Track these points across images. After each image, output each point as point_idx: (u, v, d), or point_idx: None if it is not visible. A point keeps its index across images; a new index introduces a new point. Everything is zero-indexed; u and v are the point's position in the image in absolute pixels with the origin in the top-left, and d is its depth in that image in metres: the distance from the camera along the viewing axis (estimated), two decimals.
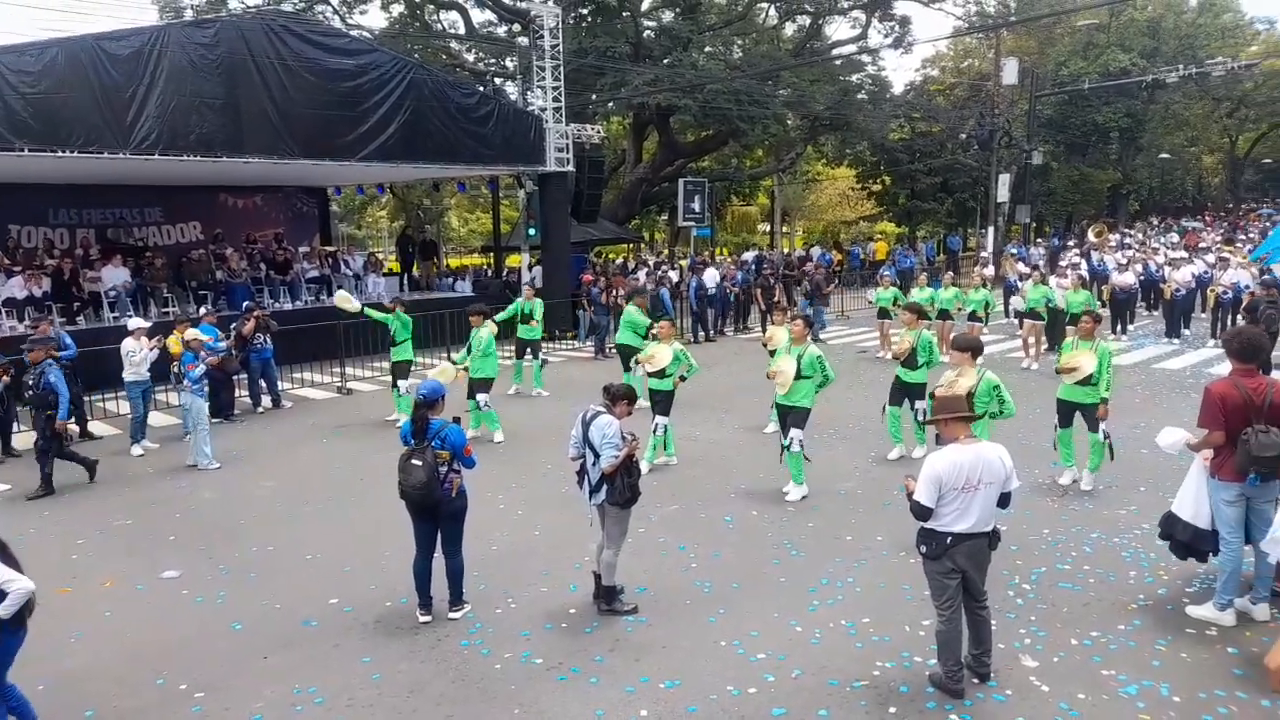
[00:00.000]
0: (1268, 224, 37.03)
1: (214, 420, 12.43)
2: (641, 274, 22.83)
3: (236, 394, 13.20)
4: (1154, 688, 4.88)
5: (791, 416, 8.27)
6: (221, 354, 12.34)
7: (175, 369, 10.43)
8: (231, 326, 13.06)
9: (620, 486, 5.74)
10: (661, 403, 9.43)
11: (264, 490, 9.28)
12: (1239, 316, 15.78)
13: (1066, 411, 8.43)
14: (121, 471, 10.19)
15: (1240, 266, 17.93)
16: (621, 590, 6.05)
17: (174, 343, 11.38)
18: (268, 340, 13.29)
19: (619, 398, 5.90)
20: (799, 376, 8.17)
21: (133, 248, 18.46)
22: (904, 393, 9.56)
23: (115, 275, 16.45)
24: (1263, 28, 51.03)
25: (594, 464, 5.78)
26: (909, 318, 9.81)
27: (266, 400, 13.50)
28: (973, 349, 7.34)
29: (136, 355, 10.90)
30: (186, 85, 13.93)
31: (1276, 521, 5.02)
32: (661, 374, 9.39)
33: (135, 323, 11.40)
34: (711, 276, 20.48)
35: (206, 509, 8.71)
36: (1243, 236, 31.43)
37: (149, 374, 11.09)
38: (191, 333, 10.74)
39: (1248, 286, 16.27)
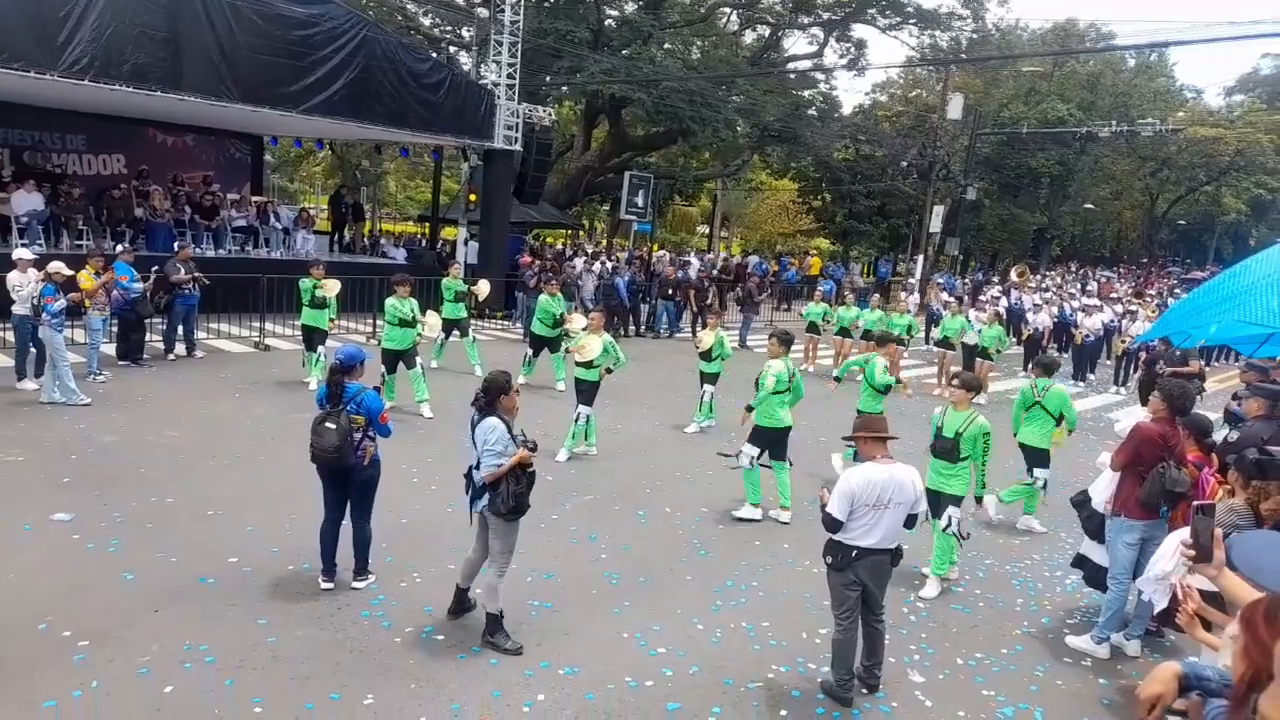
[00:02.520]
0: (1175, 284, 38.96)
1: (122, 363, 12.07)
2: (579, 261, 22.80)
3: (148, 337, 12.74)
4: (1029, 711, 5.13)
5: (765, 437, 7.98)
6: (136, 295, 11.91)
7: (35, 303, 9.85)
8: (153, 269, 12.55)
9: (504, 495, 5.14)
10: (586, 392, 9.46)
11: (169, 440, 8.97)
12: (1141, 367, 16.56)
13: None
14: (16, 405, 9.74)
15: (1146, 320, 18.83)
16: (502, 615, 5.36)
17: (86, 278, 10.93)
18: (196, 287, 12.89)
19: (497, 392, 5.32)
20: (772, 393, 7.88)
21: (50, 174, 17.59)
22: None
23: (28, 201, 15.62)
24: (1191, 96, 53.83)
25: (477, 468, 5.31)
26: (868, 346, 9.59)
27: (180, 347, 13.07)
28: (975, 388, 7.13)
29: (23, 289, 10.18)
30: (127, 12, 13.29)
31: (1151, 561, 5.31)
32: (589, 364, 9.41)
33: (20, 253, 10.62)
34: (694, 267, 21.17)
35: (105, 453, 8.39)
36: (1151, 291, 33.01)
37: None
38: (55, 265, 10.20)
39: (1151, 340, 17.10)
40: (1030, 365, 8.79)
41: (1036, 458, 8.44)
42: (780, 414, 7.96)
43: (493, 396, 5.33)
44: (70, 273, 10.41)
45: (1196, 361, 13.22)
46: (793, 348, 8.46)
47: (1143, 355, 16.80)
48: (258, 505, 7.31)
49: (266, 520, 6.97)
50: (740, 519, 7.98)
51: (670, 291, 20.18)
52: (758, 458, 8.02)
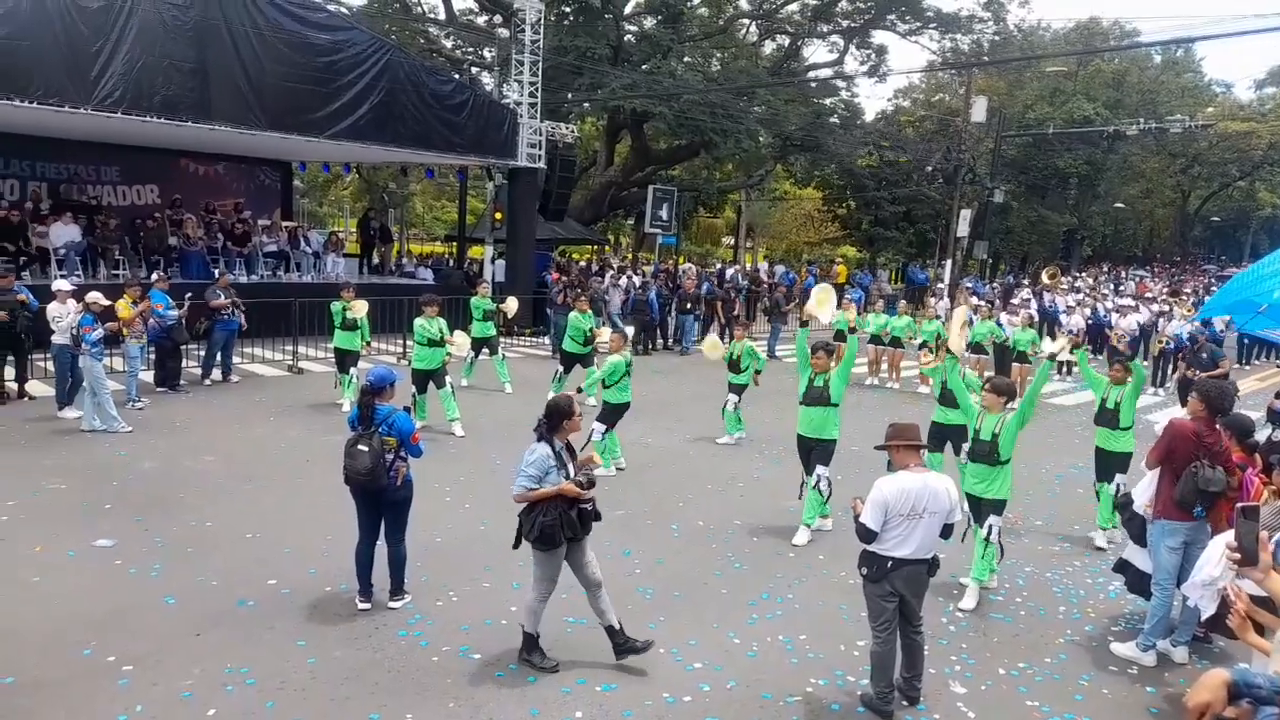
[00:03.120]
0: (1212, 280, 38.32)
1: (159, 390, 12.27)
2: (606, 277, 22.87)
3: (185, 364, 12.95)
4: None
5: (816, 452, 7.76)
6: (172, 322, 12.12)
7: (74, 332, 10.00)
8: (187, 296, 12.77)
9: (530, 523, 5.09)
10: (605, 413, 9.46)
11: (206, 464, 9.11)
12: (1180, 366, 16.26)
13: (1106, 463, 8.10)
14: (58, 433, 9.93)
15: (1182, 319, 18.52)
16: (538, 636, 5.39)
17: (124, 307, 11.14)
18: (237, 312, 13.13)
19: (560, 417, 5.22)
20: (828, 404, 7.64)
21: (86, 206, 17.98)
22: (942, 436, 8.62)
23: (65, 233, 15.98)
24: (1220, 90, 53.08)
25: None
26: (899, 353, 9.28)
27: (215, 372, 13.27)
28: (1008, 393, 6.73)
29: (63, 320, 10.39)
30: (156, 45, 13.61)
31: (1197, 566, 5.21)
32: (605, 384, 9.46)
33: (60, 284, 10.88)
34: (732, 275, 21.29)
35: (145, 478, 8.53)
36: (1187, 290, 32.48)
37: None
38: (93, 295, 10.37)
39: (1187, 338, 16.81)
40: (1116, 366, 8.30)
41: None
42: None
43: (556, 422, 5.22)
44: (108, 302, 10.62)
45: (1226, 362, 12.94)
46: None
47: (1181, 356, 16.51)
48: (295, 527, 7.38)
49: (303, 542, 7.04)
50: None
51: (689, 305, 19.85)
52: None
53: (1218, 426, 5.66)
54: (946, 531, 4.98)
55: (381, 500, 5.82)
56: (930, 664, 5.31)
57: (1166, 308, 22.08)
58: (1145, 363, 18.94)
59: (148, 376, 12.35)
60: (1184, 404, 9.64)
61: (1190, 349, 13.25)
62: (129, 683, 4.91)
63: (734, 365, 11.17)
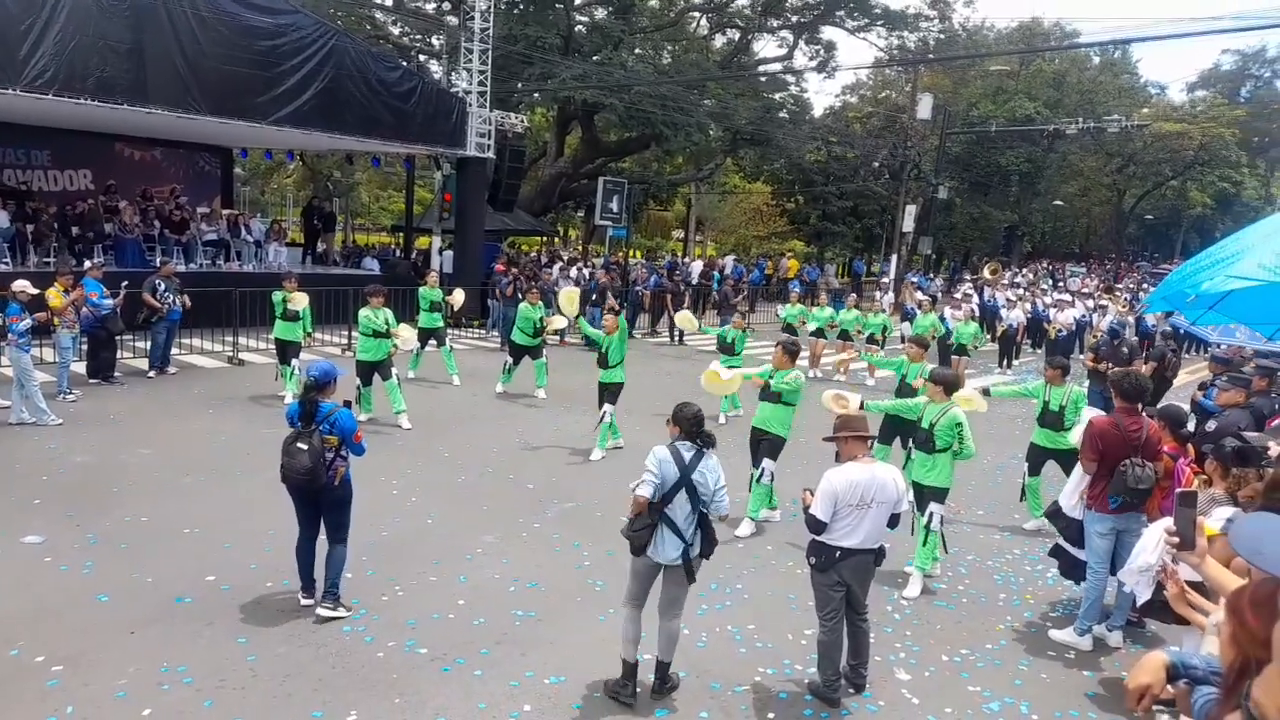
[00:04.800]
0: (1145, 278, 39.53)
1: (92, 381, 11.87)
2: (555, 268, 22.74)
3: (119, 355, 12.56)
4: (1015, 705, 5.15)
5: (764, 445, 7.76)
6: (106, 311, 11.74)
7: None
8: (122, 284, 12.34)
9: (713, 535, 4.89)
10: (612, 392, 9.87)
11: (141, 458, 8.83)
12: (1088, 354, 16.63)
13: (1038, 459, 8.26)
14: None
15: (1117, 314, 19.06)
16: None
17: (55, 296, 10.75)
18: (177, 303, 12.75)
19: (699, 422, 4.87)
20: (780, 401, 7.70)
21: (15, 191, 17.31)
22: (893, 430, 8.56)
23: None
24: (1154, 92, 54.68)
25: (690, 515, 4.76)
26: (916, 351, 9.17)
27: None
28: (946, 383, 6.81)
29: None
30: (90, 24, 13.12)
31: (1134, 554, 5.35)
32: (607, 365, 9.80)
33: None
34: (696, 268, 21.30)
35: (77, 473, 8.24)
36: (1120, 286, 33.43)
37: None
38: (19, 284, 9.95)
39: (1110, 330, 17.25)
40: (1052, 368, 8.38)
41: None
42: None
43: (698, 428, 4.84)
44: (35, 291, 10.19)
45: (1141, 364, 13.17)
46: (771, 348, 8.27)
47: (1093, 350, 16.91)
48: (234, 522, 7.20)
49: (244, 537, 6.86)
50: None
51: (594, 298, 18.52)
52: None
53: (1151, 418, 5.82)
54: (894, 521, 5.05)
55: (320, 500, 5.64)
56: (875, 651, 5.39)
57: (1103, 303, 22.71)
58: (1081, 356, 19.51)
59: (80, 367, 11.95)
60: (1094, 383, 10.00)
61: (1110, 343, 13.52)
62: (59, 683, 4.73)
63: (728, 349, 11.86)
